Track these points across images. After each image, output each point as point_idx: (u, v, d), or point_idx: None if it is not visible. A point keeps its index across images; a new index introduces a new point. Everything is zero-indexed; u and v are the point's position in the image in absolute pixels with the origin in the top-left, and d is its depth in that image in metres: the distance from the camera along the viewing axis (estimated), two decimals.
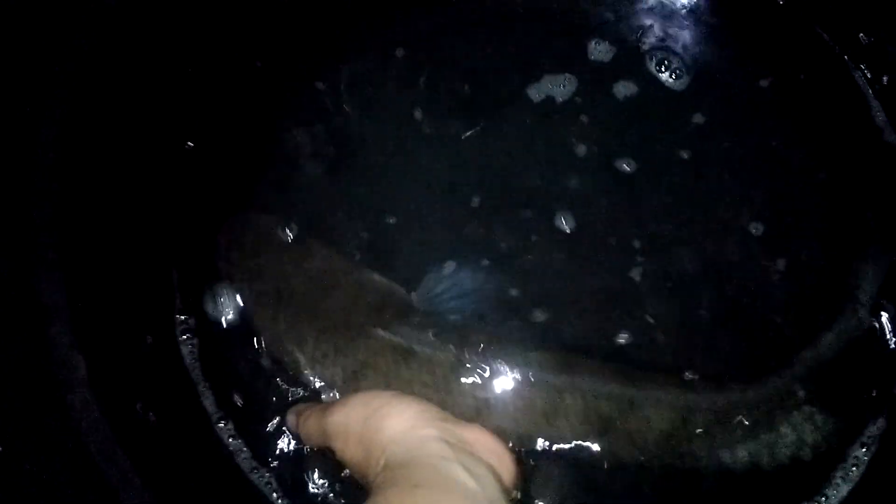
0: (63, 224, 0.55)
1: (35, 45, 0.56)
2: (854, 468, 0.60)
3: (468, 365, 0.59)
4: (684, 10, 0.77)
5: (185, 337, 0.64)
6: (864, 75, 0.73)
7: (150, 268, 0.64)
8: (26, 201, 0.54)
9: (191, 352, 0.63)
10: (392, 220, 0.68)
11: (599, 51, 0.74)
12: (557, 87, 0.73)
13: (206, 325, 0.64)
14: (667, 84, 0.73)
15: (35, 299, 0.52)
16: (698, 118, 0.72)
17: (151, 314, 0.63)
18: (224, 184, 0.70)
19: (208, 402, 0.62)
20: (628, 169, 0.70)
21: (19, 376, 0.50)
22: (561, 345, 0.62)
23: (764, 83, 0.74)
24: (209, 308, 0.64)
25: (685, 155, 0.71)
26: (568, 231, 0.68)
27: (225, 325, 0.64)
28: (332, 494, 0.59)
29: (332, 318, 0.63)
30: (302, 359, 0.62)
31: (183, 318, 0.64)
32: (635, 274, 0.66)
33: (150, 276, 0.64)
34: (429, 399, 0.55)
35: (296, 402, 0.61)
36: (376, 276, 0.65)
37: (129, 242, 0.63)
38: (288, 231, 0.67)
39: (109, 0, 0.60)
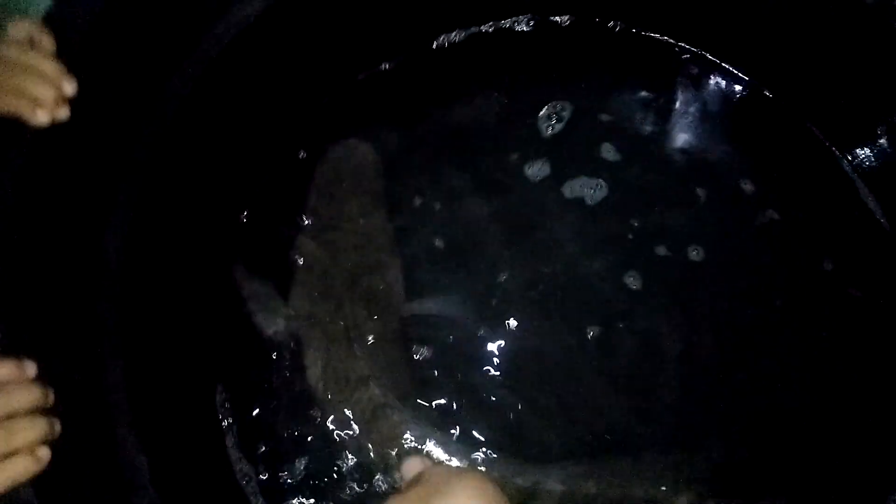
0: (125, 327, 0.59)
1: (100, 159, 0.62)
2: None
3: None
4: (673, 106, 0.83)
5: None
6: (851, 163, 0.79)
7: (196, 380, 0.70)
8: (92, 304, 0.59)
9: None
10: None
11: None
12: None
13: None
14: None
15: (102, 399, 0.56)
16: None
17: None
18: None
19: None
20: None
21: (89, 477, 0.53)
22: None
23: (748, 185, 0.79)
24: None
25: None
26: None
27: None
28: None
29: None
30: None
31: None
32: None
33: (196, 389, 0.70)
34: None
35: None
36: None
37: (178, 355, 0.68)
38: None
39: (166, 115, 0.66)
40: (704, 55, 0.84)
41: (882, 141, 0.75)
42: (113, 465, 0.55)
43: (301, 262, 0.75)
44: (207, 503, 0.63)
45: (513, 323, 0.73)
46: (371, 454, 0.68)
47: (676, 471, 0.67)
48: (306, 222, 0.77)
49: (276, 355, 0.72)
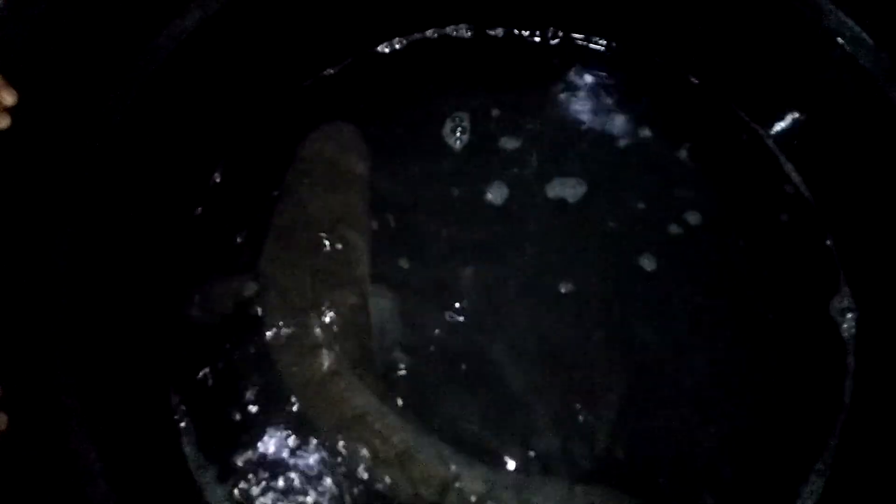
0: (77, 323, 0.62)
1: (47, 163, 0.65)
2: None
3: None
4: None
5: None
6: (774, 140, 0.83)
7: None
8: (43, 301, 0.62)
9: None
10: None
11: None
12: None
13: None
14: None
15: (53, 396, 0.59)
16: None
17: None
18: None
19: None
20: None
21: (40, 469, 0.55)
22: None
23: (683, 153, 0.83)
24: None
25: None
26: None
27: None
28: None
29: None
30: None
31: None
32: None
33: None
34: None
35: None
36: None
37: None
38: None
39: (111, 123, 0.69)
40: (650, 57, 0.87)
41: (799, 117, 0.79)
42: (64, 458, 0.57)
43: (271, 228, 0.78)
44: (161, 490, 0.65)
45: (465, 305, 0.77)
46: (318, 422, 0.71)
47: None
48: (276, 193, 0.80)
49: (235, 323, 0.75)
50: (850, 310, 0.76)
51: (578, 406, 0.73)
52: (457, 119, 0.84)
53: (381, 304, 0.76)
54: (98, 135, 0.67)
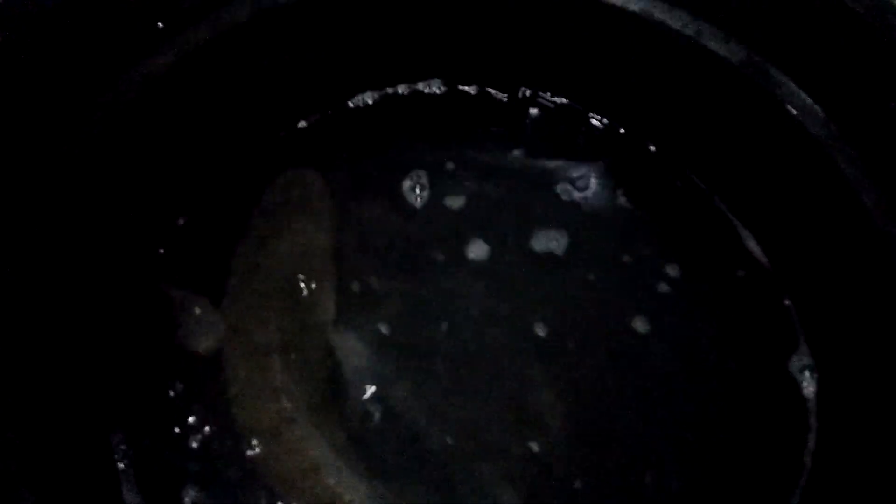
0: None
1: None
2: None
3: None
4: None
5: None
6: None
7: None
8: None
9: None
10: None
11: None
12: None
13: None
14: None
15: None
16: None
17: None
18: None
19: None
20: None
21: None
22: None
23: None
24: None
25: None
26: None
27: None
28: None
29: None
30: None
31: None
32: None
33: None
34: None
35: None
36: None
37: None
38: None
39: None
40: (609, 121, 0.90)
41: (753, 184, 0.82)
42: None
43: (234, 269, 0.77)
44: None
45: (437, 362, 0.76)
46: (269, 472, 0.68)
47: None
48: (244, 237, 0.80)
49: (197, 367, 0.73)
50: (809, 368, 0.77)
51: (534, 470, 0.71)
52: (418, 176, 0.86)
53: (347, 354, 0.75)
54: (60, 167, 0.67)
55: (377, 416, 0.73)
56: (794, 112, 0.74)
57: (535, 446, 0.73)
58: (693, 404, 0.76)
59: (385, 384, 0.74)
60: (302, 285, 0.76)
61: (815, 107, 0.74)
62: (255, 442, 0.70)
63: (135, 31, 0.70)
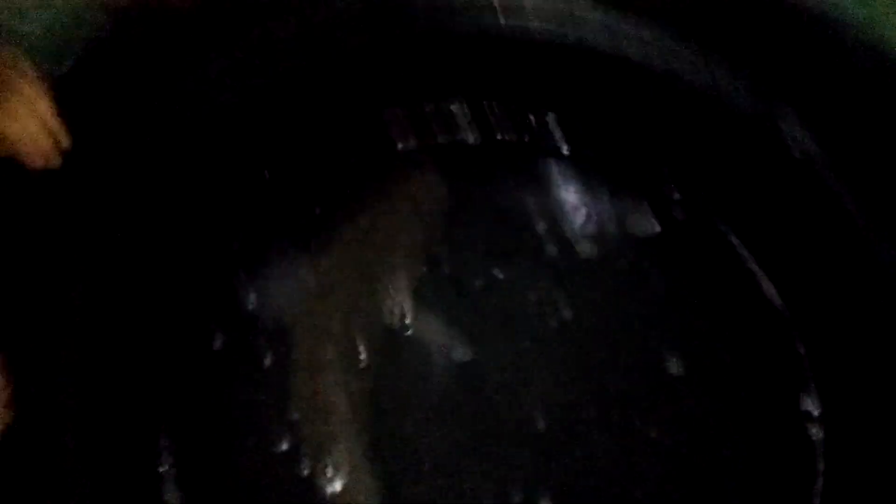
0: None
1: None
2: None
3: None
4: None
5: None
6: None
7: None
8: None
9: None
10: None
11: None
12: None
13: None
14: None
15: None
16: None
17: None
18: None
19: None
20: None
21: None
22: None
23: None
24: None
25: None
26: None
27: None
28: None
29: None
30: None
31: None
32: None
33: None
34: None
35: None
36: None
37: None
38: None
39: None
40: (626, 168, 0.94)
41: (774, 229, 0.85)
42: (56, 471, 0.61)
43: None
44: None
45: None
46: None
47: None
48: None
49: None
50: (818, 412, 0.78)
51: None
52: None
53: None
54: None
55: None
56: (802, 157, 0.77)
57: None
58: (700, 443, 0.78)
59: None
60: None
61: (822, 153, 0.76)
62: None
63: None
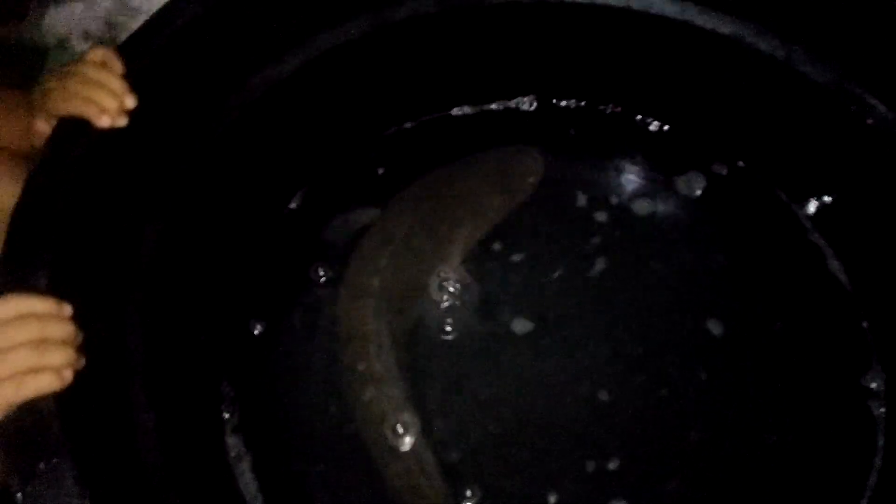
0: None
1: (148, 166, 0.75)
2: None
3: None
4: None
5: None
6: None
7: None
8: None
9: None
10: None
11: None
12: None
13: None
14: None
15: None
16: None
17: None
18: None
19: None
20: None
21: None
22: None
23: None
24: None
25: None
26: None
27: None
28: None
29: None
30: None
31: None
32: None
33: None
34: None
35: None
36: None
37: None
38: None
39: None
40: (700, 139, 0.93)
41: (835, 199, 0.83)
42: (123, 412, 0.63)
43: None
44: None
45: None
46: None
47: None
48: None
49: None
50: (880, 389, 0.76)
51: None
52: None
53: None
54: (195, 146, 0.77)
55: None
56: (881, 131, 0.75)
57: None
58: (761, 415, 0.77)
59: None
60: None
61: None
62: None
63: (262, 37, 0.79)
